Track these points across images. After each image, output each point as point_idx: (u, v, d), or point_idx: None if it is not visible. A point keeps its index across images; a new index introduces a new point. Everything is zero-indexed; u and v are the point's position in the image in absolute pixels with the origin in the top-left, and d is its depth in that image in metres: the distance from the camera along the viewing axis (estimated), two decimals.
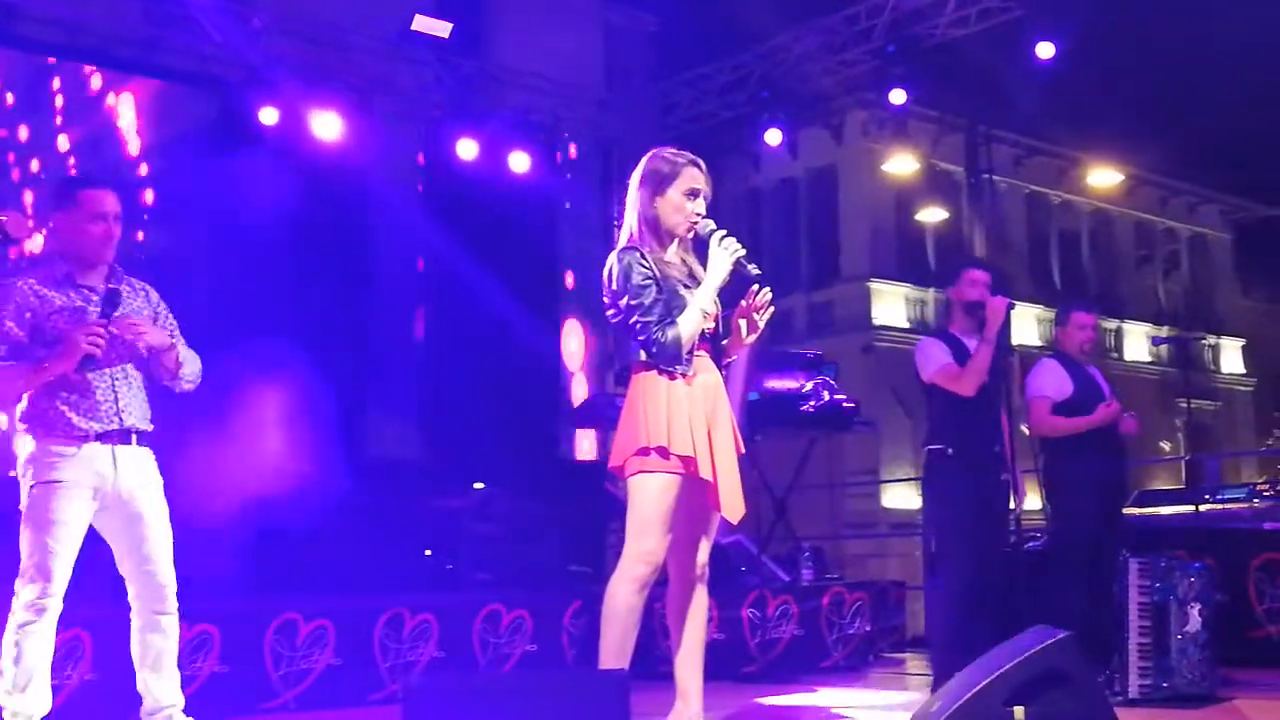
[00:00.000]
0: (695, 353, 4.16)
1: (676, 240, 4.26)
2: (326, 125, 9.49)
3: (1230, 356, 28.22)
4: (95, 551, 4.32)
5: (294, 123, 9.36)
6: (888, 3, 11.19)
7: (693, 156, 4.25)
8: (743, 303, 4.20)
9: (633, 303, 4.09)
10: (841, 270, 22.15)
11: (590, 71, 13.52)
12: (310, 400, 7.97)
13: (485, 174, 10.43)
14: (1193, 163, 24.37)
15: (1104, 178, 23.97)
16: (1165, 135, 21.06)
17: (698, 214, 4.20)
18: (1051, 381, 6.10)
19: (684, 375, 4.11)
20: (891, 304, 22.02)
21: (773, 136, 11.79)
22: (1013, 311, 5.63)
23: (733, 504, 4.14)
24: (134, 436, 4.30)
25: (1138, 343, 25.45)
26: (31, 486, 4.18)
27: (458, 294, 10.26)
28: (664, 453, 4.04)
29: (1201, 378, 25.96)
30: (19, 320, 4.18)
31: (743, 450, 4.28)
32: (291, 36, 10.17)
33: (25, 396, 4.23)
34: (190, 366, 4.45)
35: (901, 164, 16.85)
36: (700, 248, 4.27)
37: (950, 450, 5.58)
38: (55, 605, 4.16)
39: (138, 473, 4.30)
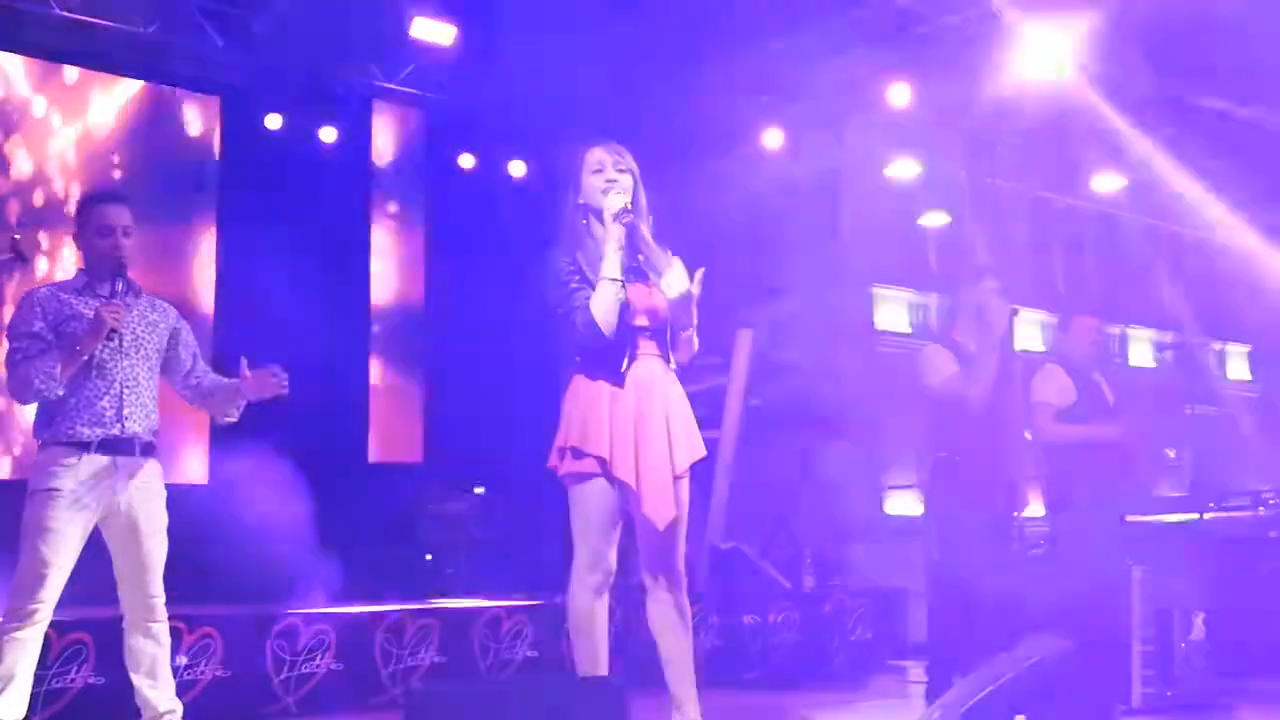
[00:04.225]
0: (639, 350, 4.03)
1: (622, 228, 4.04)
2: None
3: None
4: (98, 555, 4.30)
5: None
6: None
7: (601, 141, 4.14)
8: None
9: (559, 298, 4.03)
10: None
11: None
12: None
13: None
14: None
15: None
16: None
17: (608, 181, 4.05)
18: (1054, 388, 6.06)
19: (614, 372, 3.99)
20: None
21: None
22: (1016, 317, 5.59)
23: (656, 507, 3.96)
24: (137, 446, 4.29)
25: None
26: (32, 493, 4.20)
27: None
28: (578, 453, 3.97)
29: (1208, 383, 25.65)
30: (45, 321, 4.23)
31: (702, 453, 4.11)
32: None
33: (36, 406, 4.26)
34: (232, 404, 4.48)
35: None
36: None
37: (955, 457, 5.54)
38: (45, 613, 4.15)
39: (139, 484, 4.29)
